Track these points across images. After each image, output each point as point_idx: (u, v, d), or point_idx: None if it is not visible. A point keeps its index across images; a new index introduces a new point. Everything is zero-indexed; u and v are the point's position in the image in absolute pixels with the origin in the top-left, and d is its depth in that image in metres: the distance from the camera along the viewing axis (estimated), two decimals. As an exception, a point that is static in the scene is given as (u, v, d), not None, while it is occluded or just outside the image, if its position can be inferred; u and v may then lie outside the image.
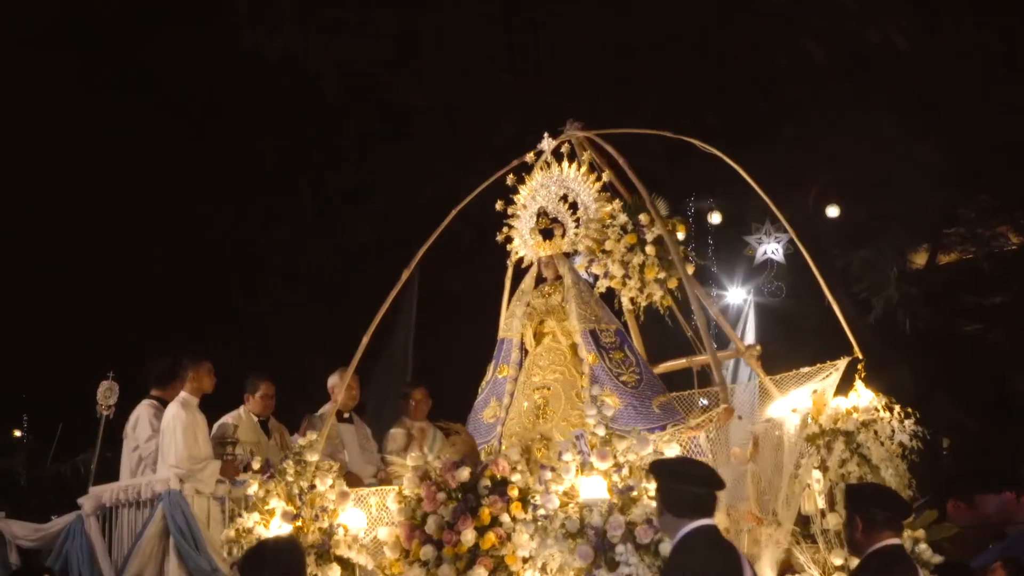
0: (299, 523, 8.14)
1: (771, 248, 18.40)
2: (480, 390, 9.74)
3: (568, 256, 9.78)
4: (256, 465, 8.48)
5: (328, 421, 9.72)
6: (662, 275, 9.82)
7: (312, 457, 8.45)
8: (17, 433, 17.60)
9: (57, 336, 16.95)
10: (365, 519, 8.52)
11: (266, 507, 8.29)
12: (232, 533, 8.27)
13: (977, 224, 18.10)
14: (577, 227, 9.48)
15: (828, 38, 16.39)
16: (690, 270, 9.98)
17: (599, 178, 9.58)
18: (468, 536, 7.70)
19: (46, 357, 16.91)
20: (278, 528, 8.12)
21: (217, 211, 17.37)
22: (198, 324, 16.79)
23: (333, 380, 10.26)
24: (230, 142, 17.31)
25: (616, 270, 9.81)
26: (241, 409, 10.09)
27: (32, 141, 16.93)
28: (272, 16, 16.76)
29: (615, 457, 7.41)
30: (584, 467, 7.48)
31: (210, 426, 9.48)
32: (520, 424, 9.05)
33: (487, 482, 7.85)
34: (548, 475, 7.59)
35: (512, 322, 9.61)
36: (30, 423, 18.05)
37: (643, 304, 9.94)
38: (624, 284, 9.83)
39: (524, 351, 9.51)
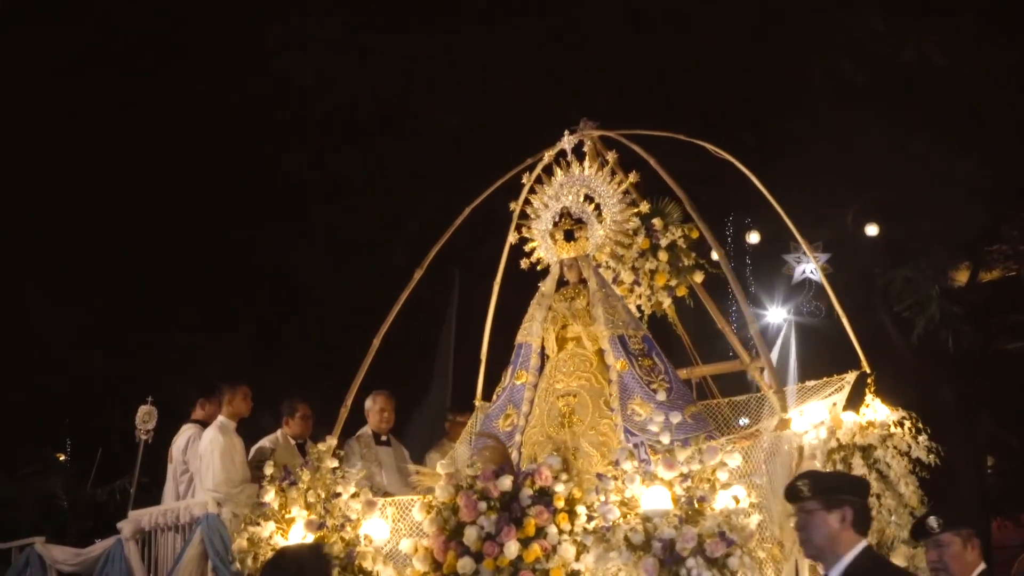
0: (323, 533, 7.84)
1: (809, 268, 18.24)
2: (495, 396, 9.31)
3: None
4: (268, 470, 8.26)
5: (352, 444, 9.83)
6: (673, 282, 9.61)
7: (331, 463, 8.21)
8: (61, 457, 17.72)
9: (97, 361, 17.05)
10: (388, 530, 8.15)
11: (286, 515, 8.03)
12: (245, 543, 8.02)
13: (1019, 241, 17.88)
14: (604, 229, 9.10)
15: (863, 57, 16.35)
16: (699, 278, 9.78)
17: (623, 180, 9.25)
18: (511, 548, 7.23)
19: (87, 382, 17.00)
20: (301, 538, 7.84)
21: (255, 236, 17.43)
22: (238, 348, 16.87)
23: (368, 402, 10.27)
24: (268, 167, 17.39)
25: (626, 276, 9.59)
26: (279, 432, 10.06)
27: (70, 168, 17.08)
28: (307, 41, 16.89)
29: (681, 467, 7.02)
30: (644, 476, 7.05)
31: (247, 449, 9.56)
32: (543, 433, 8.56)
33: (529, 491, 7.39)
34: (611, 484, 7.10)
35: (532, 326, 9.12)
36: (72, 447, 18.17)
37: (648, 312, 9.71)
38: (632, 291, 9.61)
39: (544, 357, 9.10)
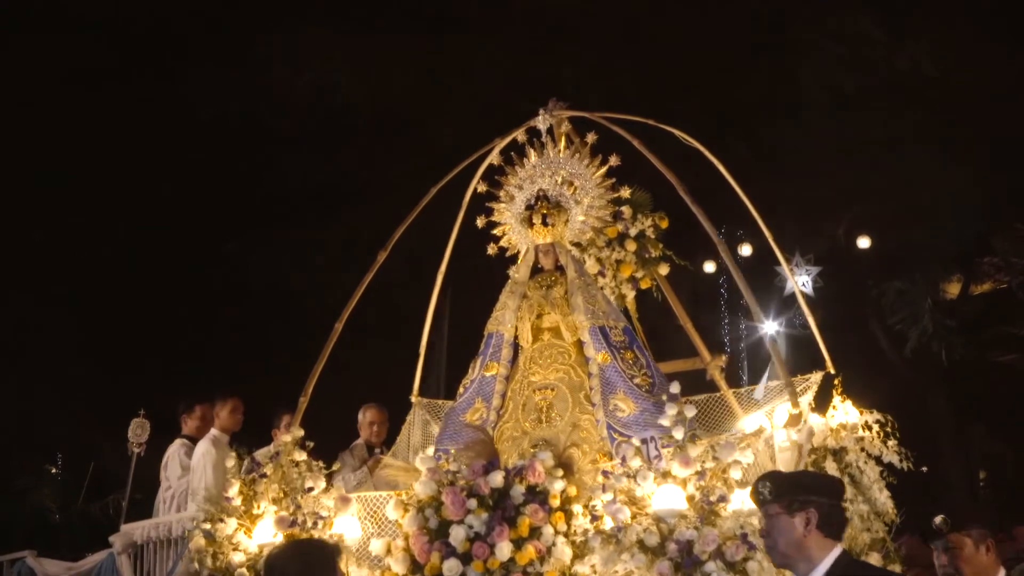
0: (293, 531, 7.15)
1: (801, 280, 18.26)
2: (460, 389, 8.51)
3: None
4: (230, 462, 7.75)
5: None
6: (639, 274, 9.16)
7: (298, 455, 7.61)
8: (52, 470, 17.65)
9: (90, 374, 17.00)
10: (360, 528, 7.43)
11: (253, 511, 7.42)
12: (203, 541, 7.43)
13: (1010, 253, 17.88)
14: (583, 213, 8.47)
15: (855, 66, 16.37)
16: (664, 270, 9.29)
17: (603, 163, 8.49)
18: (503, 550, 6.59)
19: (79, 395, 16.94)
20: (273, 536, 7.21)
21: (249, 247, 17.38)
22: (230, 361, 16.80)
23: (360, 415, 10.21)
24: (262, 178, 17.37)
25: (591, 265, 9.08)
26: (272, 445, 10.03)
27: (63, 180, 17.04)
28: (303, 52, 16.88)
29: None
30: (657, 474, 6.50)
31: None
32: (518, 428, 7.94)
33: (521, 488, 6.75)
34: (623, 482, 6.51)
35: (504, 315, 8.39)
36: (64, 460, 18.09)
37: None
38: (596, 281, 8.99)
39: (516, 347, 8.44)
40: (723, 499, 6.32)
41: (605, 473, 6.70)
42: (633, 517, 6.41)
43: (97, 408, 15.94)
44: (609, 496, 6.55)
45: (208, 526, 7.46)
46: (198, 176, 17.09)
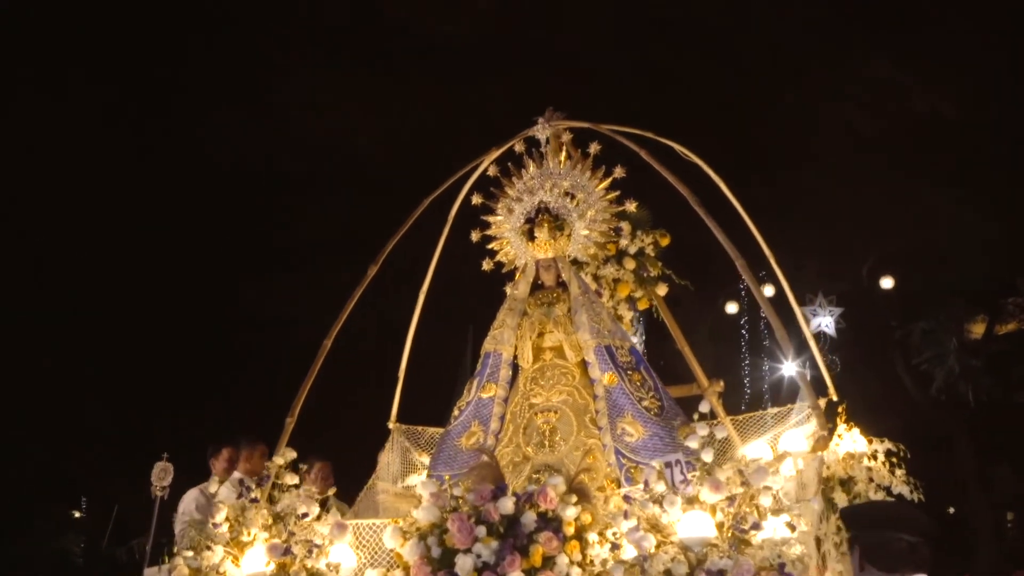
0: (286, 560, 6.64)
1: (824, 321, 18.27)
2: (455, 411, 7.96)
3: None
4: (213, 488, 7.16)
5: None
6: (637, 293, 8.82)
7: (289, 479, 7.06)
8: (76, 514, 17.70)
9: (114, 418, 17.08)
10: (355, 558, 6.85)
11: (242, 538, 6.86)
12: (186, 570, 6.84)
13: (1034, 292, 17.87)
14: (586, 227, 7.98)
15: (876, 109, 16.41)
16: (662, 291, 8.92)
17: (607, 175, 8.04)
18: None
19: (103, 439, 17.01)
20: (265, 565, 6.68)
21: (268, 289, 17.47)
22: (254, 405, 16.86)
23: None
24: (280, 220, 17.50)
25: (588, 283, 8.47)
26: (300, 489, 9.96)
27: (83, 222, 17.34)
28: (320, 96, 17.02)
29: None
30: (685, 500, 5.97)
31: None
32: (519, 453, 7.44)
33: (533, 515, 6.13)
34: (650, 508, 5.99)
35: (503, 333, 7.86)
36: (88, 504, 18.16)
37: None
38: None
39: (515, 368, 7.91)
40: (757, 527, 5.80)
41: (627, 499, 6.20)
42: (658, 546, 5.88)
43: (121, 452, 16.02)
44: (632, 523, 5.99)
45: (191, 555, 6.94)
46: (218, 218, 17.23)
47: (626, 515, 6.05)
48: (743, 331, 19.81)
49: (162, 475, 10.47)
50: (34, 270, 16.58)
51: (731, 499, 5.89)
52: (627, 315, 8.91)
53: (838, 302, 18.06)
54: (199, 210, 16.99)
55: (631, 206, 8.09)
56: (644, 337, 9.77)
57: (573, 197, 7.99)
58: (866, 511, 4.57)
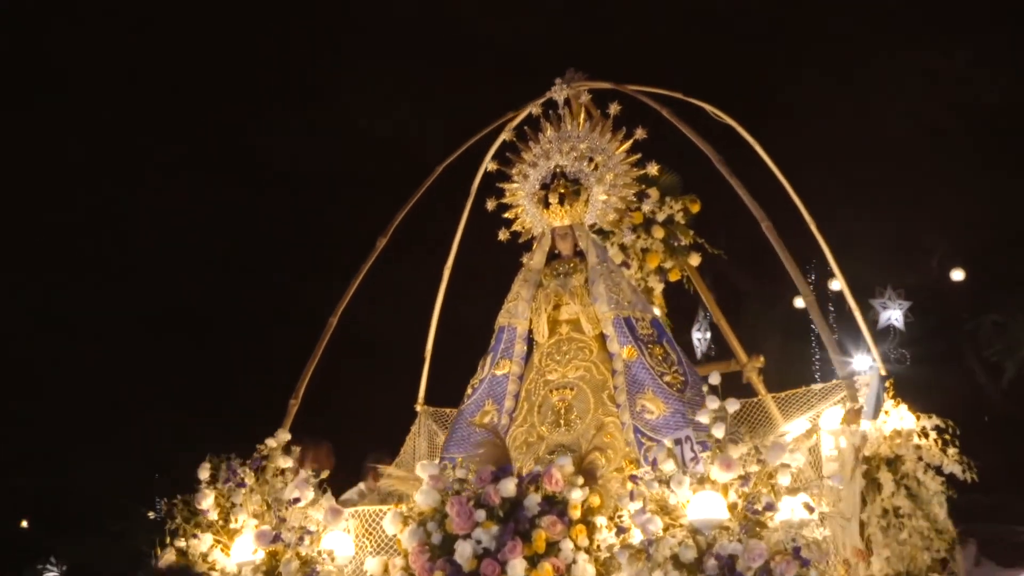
0: (277, 547, 6.31)
1: (894, 315, 18.03)
2: (468, 390, 7.53)
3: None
4: (204, 475, 6.73)
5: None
6: (667, 264, 8.35)
7: (285, 463, 6.70)
8: (149, 514, 17.87)
9: (174, 419, 17.27)
10: (352, 545, 6.54)
11: (232, 525, 6.53)
12: (173, 558, 6.53)
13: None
14: (605, 192, 7.46)
15: (950, 97, 16.18)
16: (695, 260, 8.45)
17: (628, 137, 7.49)
18: (517, 568, 5.58)
19: (176, 436, 17.21)
20: (252, 553, 6.34)
21: (326, 291, 17.57)
22: (318, 404, 16.93)
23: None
24: (336, 221, 17.57)
25: (614, 254, 8.14)
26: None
27: (137, 226, 17.41)
28: (380, 96, 17.05)
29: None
30: (694, 479, 5.52)
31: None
32: (533, 432, 6.98)
33: (537, 498, 5.76)
34: (655, 488, 5.55)
35: (517, 306, 7.41)
36: (161, 504, 18.33)
37: None
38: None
39: (531, 342, 7.45)
40: (771, 507, 5.31)
41: (633, 478, 5.65)
42: (666, 529, 5.42)
43: (194, 449, 16.16)
44: (638, 504, 5.55)
45: (182, 542, 6.61)
46: (273, 220, 17.35)
47: (632, 496, 5.56)
48: (812, 325, 19.60)
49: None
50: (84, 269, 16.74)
51: (745, 478, 5.41)
52: (657, 287, 8.39)
53: (908, 295, 17.84)
54: (252, 214, 17.09)
55: (653, 169, 7.59)
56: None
57: (591, 160, 7.47)
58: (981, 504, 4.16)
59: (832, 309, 17.85)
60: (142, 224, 17.29)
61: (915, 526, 6.82)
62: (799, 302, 18.23)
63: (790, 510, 5.42)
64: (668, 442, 5.82)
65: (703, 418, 5.61)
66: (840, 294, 17.23)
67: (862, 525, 6.48)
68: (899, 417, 7.16)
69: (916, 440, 6.97)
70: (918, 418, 7.12)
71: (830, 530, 5.87)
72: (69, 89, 16.63)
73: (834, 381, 7.09)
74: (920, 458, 6.95)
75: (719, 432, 5.54)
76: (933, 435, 6.99)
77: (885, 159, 16.43)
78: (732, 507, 5.39)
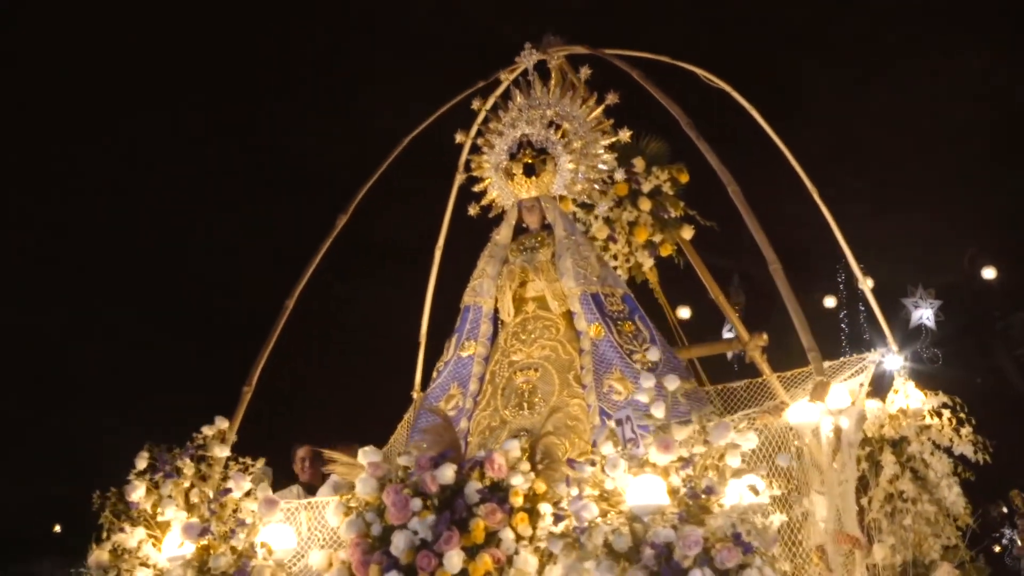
0: (207, 541, 5.86)
1: (926, 314, 17.92)
2: (434, 373, 7.08)
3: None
4: (141, 464, 6.25)
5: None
6: (657, 238, 7.85)
7: (221, 452, 6.28)
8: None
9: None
10: (296, 539, 6.08)
11: (159, 518, 6.09)
12: (106, 555, 6.10)
13: None
14: (573, 160, 7.03)
15: (975, 98, 16.09)
16: (688, 233, 7.92)
17: (600, 102, 7.08)
18: (453, 560, 5.13)
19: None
20: (178, 547, 5.90)
21: (356, 292, 17.58)
22: (345, 406, 16.96)
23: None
24: (367, 223, 17.60)
25: (598, 230, 7.77)
26: (295, 487, 9.71)
27: (175, 232, 17.47)
28: (408, 100, 17.03)
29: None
30: (631, 462, 5.03)
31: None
32: (496, 416, 6.45)
33: (478, 485, 5.30)
34: (588, 470, 5.06)
35: (482, 284, 6.98)
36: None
37: (624, 277, 7.71)
38: (606, 248, 7.74)
39: (497, 322, 7.04)
40: (710, 491, 4.84)
41: (571, 462, 5.19)
42: (604, 515, 4.95)
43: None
44: (575, 491, 5.06)
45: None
46: (305, 223, 17.35)
47: (568, 481, 5.10)
48: (843, 324, 19.52)
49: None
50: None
51: (686, 460, 4.93)
52: (647, 262, 7.89)
53: (939, 294, 17.75)
54: (283, 217, 17.05)
55: (624, 135, 7.07)
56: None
57: (559, 128, 7.00)
58: None
59: (863, 308, 17.80)
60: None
61: (921, 511, 6.49)
62: (829, 302, 18.14)
63: (739, 495, 4.96)
64: (611, 423, 5.46)
65: (642, 397, 5.17)
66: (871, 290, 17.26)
67: (862, 511, 6.16)
68: (905, 396, 6.85)
69: (927, 420, 6.63)
70: (931, 395, 6.81)
71: (818, 515, 5.54)
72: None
73: (842, 359, 6.68)
74: (928, 438, 6.62)
75: (659, 412, 5.12)
76: (947, 413, 6.66)
77: (914, 158, 16.35)
78: (673, 492, 4.90)
